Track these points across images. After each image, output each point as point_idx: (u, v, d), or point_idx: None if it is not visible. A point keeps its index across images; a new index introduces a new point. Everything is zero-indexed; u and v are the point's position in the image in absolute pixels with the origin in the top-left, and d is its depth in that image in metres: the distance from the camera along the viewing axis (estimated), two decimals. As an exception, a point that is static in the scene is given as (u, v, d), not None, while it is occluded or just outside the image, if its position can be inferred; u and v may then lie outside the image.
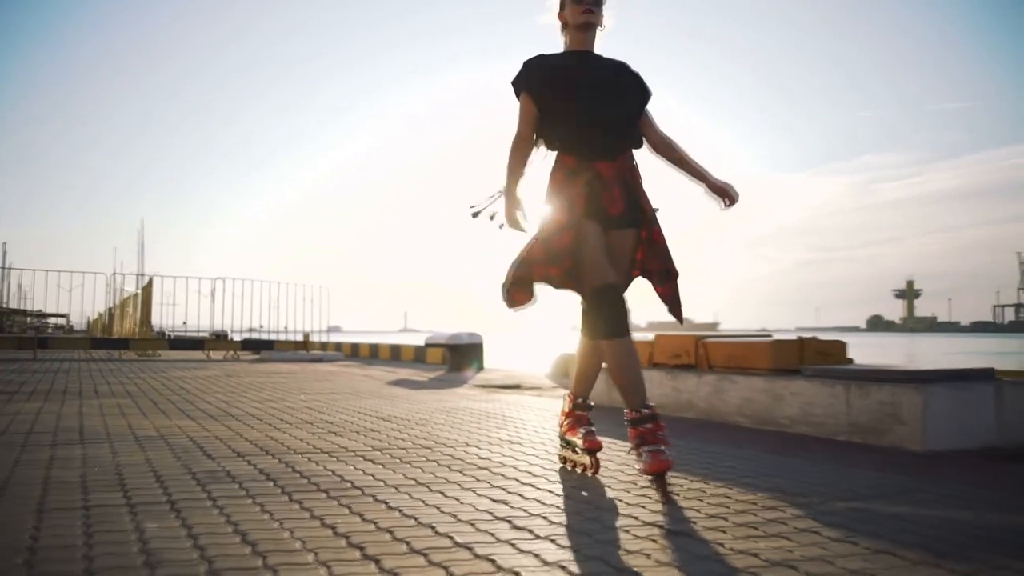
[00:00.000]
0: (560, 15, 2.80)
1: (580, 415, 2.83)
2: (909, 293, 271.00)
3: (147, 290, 13.63)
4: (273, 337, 14.76)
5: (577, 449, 2.76)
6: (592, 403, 2.89)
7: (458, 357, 9.98)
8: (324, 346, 16.49)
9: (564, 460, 2.86)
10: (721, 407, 4.42)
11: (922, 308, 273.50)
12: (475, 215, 2.87)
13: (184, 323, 14.64)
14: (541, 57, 2.78)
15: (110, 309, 24.46)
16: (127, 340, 13.14)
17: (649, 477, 2.40)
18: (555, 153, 2.71)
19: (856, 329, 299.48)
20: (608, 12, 2.77)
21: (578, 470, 2.76)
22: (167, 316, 14.78)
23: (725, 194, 2.76)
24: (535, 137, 2.77)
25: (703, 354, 4.80)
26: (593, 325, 2.55)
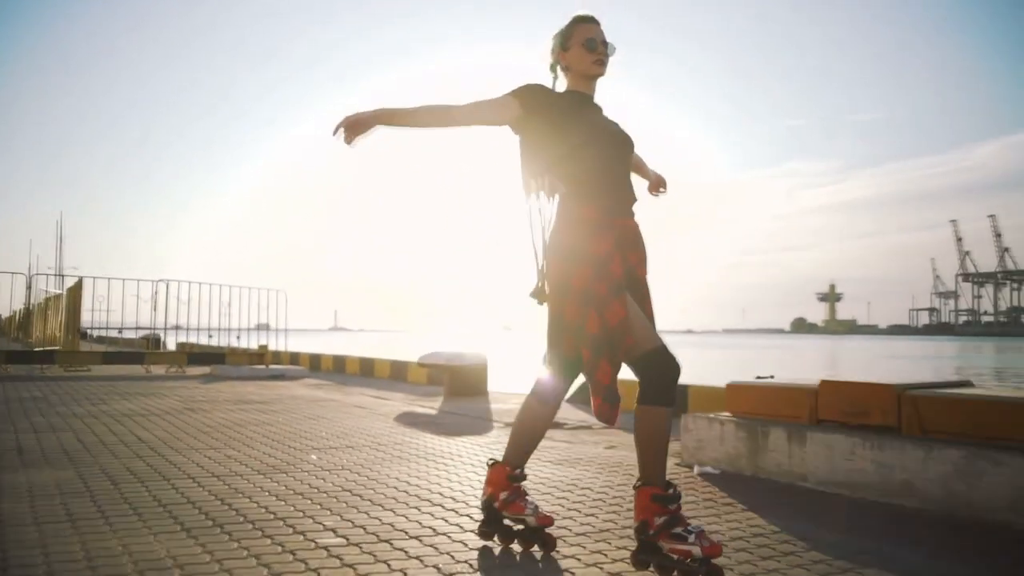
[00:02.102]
0: (563, 56, 2.56)
1: (518, 487, 2.56)
2: (831, 296, 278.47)
3: (75, 292, 11.60)
4: (210, 339, 12.92)
5: (519, 527, 2.53)
6: (527, 473, 2.64)
7: (460, 381, 8.41)
8: (277, 355, 14.67)
9: (488, 537, 2.57)
10: (975, 498, 3.04)
11: (843, 311, 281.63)
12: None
13: (120, 331, 12.74)
14: (545, 88, 2.54)
15: (25, 309, 21.94)
16: (52, 352, 11.10)
17: (702, 560, 2.15)
18: (556, 201, 2.49)
19: (780, 331, 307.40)
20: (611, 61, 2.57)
21: (517, 547, 2.51)
22: (100, 322, 12.77)
23: (661, 184, 3.02)
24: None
25: (911, 413, 3.43)
26: (651, 391, 2.34)
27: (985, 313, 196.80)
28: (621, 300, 2.33)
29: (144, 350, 12.56)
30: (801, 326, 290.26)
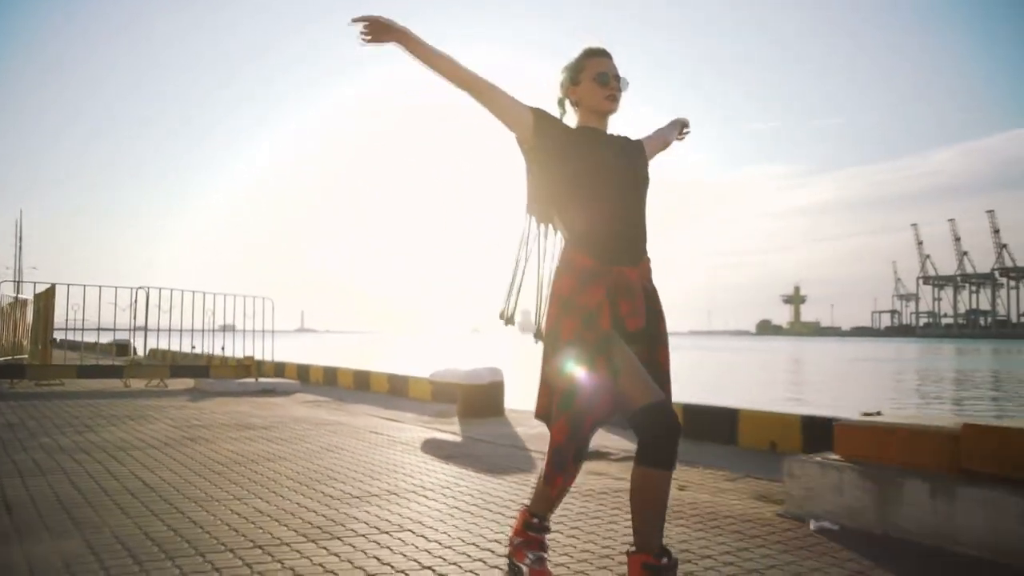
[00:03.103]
0: (572, 90, 2.43)
1: (533, 537, 2.42)
2: (795, 299, 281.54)
3: (46, 299, 10.75)
4: (193, 349, 12.09)
5: None
6: (550, 525, 2.48)
7: (475, 400, 7.79)
8: (261, 365, 13.91)
9: None
10: None
11: (807, 313, 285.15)
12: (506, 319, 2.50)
13: (97, 334, 11.92)
14: (557, 120, 2.41)
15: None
16: (23, 366, 10.26)
17: None
18: (560, 244, 2.42)
19: (746, 333, 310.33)
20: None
21: None
22: (64, 325, 11.85)
23: (684, 126, 3.01)
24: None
25: (1091, 468, 2.91)
26: (646, 451, 2.16)
27: (945, 315, 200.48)
28: (605, 355, 2.21)
29: (121, 361, 11.76)
30: (766, 328, 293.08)
